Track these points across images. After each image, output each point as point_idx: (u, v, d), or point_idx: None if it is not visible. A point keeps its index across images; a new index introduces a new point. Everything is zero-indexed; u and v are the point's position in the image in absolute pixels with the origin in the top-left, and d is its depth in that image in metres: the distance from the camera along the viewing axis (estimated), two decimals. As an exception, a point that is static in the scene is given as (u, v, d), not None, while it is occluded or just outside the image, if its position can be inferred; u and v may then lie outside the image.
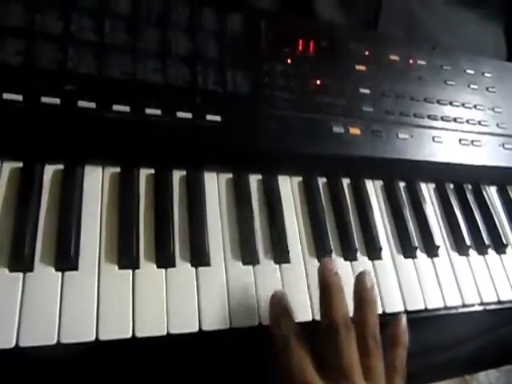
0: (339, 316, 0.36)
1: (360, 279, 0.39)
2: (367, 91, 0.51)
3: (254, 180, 0.46)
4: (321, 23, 0.56)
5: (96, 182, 0.40)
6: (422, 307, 0.45)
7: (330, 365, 0.34)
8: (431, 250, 0.49)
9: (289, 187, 0.47)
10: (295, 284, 0.42)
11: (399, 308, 0.45)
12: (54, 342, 0.33)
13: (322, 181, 0.49)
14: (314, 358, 0.35)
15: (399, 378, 0.37)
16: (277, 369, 0.35)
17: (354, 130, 0.48)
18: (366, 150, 0.48)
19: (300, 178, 0.48)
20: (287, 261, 0.42)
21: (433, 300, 0.46)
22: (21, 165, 0.38)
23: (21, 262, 0.34)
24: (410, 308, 0.45)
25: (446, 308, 0.47)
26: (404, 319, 0.40)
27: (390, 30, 0.65)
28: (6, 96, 0.36)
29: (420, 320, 0.46)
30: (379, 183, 0.52)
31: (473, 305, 0.48)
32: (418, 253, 0.48)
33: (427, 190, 0.54)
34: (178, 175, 0.43)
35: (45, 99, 0.37)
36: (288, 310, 0.37)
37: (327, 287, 0.37)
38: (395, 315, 0.44)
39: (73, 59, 0.39)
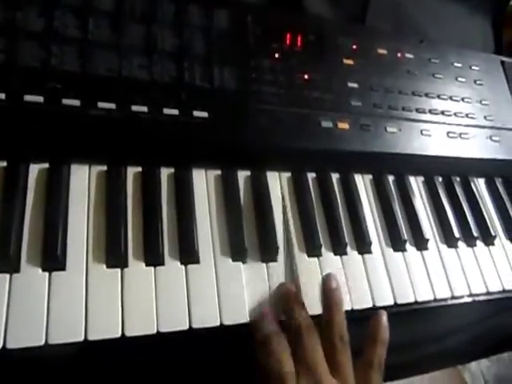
0: (301, 320, 0.38)
1: (326, 280, 0.42)
2: (355, 85, 0.51)
3: (243, 176, 0.46)
4: (308, 17, 0.56)
5: (82, 180, 0.39)
6: (412, 300, 0.46)
7: (299, 361, 0.36)
8: (420, 243, 0.49)
9: (278, 183, 0.47)
10: (283, 280, 0.42)
11: (389, 301, 0.45)
12: (42, 343, 0.33)
13: (311, 176, 0.49)
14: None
15: (376, 375, 0.38)
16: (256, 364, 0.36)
17: (343, 124, 0.48)
18: (354, 145, 0.48)
19: (289, 174, 0.48)
20: (276, 258, 0.42)
21: (423, 293, 0.47)
22: (5, 164, 0.37)
23: (7, 263, 0.34)
24: (400, 301, 0.45)
25: (435, 300, 0.47)
26: (384, 316, 0.41)
27: (378, 23, 0.65)
28: (-13, 95, 0.35)
29: (410, 312, 0.47)
30: (368, 177, 0.52)
31: (462, 296, 0.49)
32: (408, 246, 0.49)
33: (416, 183, 0.54)
34: (165, 172, 0.42)
35: (28, 97, 0.36)
36: (268, 312, 0.38)
37: (288, 298, 0.40)
38: (385, 309, 0.45)
39: (56, 56, 0.38)
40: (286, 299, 0.40)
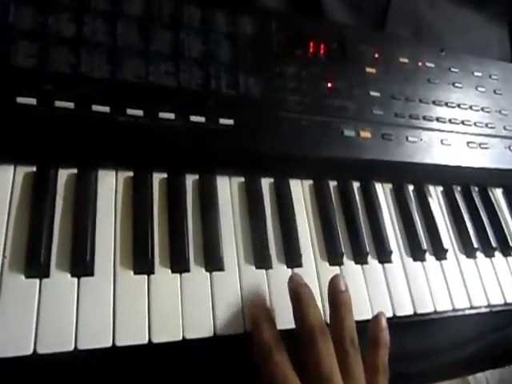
0: (315, 323, 0.36)
1: (333, 283, 0.39)
2: (377, 94, 0.51)
3: (266, 183, 0.46)
4: (331, 25, 0.56)
5: (109, 186, 0.40)
6: (431, 310, 0.46)
7: (311, 371, 0.34)
8: (440, 253, 0.49)
9: (300, 190, 0.47)
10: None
11: (409, 311, 0.45)
12: (72, 348, 0.33)
13: (332, 184, 0.49)
14: (295, 364, 0.35)
15: (382, 378, 0.37)
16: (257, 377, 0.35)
17: (365, 133, 0.48)
18: (376, 154, 0.48)
19: (311, 182, 0.48)
20: (300, 265, 0.43)
21: (441, 302, 0.47)
22: (34, 169, 0.38)
23: (37, 268, 0.34)
24: (419, 311, 0.45)
25: (454, 310, 0.47)
26: (383, 318, 0.40)
27: (398, 30, 0.65)
28: (19, 100, 0.36)
29: (426, 321, 0.47)
30: (388, 186, 0.52)
31: (480, 307, 0.49)
32: (427, 256, 0.49)
33: (435, 193, 0.54)
34: (190, 179, 0.43)
35: (59, 103, 0.37)
36: (269, 316, 0.37)
37: (299, 297, 0.37)
38: (405, 318, 0.45)
39: (86, 63, 0.38)
40: (299, 302, 0.37)
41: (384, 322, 0.39)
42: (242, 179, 0.45)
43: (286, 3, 0.58)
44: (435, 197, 0.54)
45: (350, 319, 0.37)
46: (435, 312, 0.46)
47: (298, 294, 0.38)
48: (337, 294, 0.39)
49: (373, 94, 0.51)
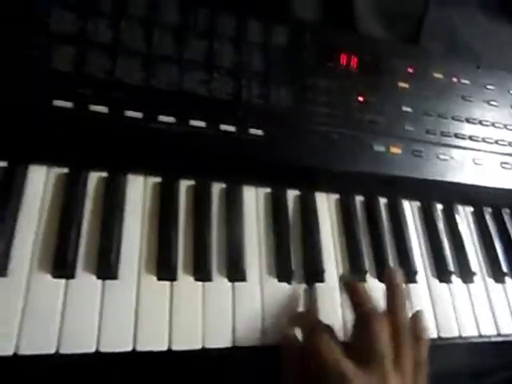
0: (370, 306, 0.38)
1: (389, 274, 0.41)
2: (409, 109, 0.50)
3: (292, 195, 0.45)
4: (365, 38, 0.55)
5: (138, 190, 0.40)
6: (456, 335, 0.44)
7: (363, 350, 0.35)
8: (467, 276, 0.48)
9: (326, 204, 0.46)
10: (329, 303, 0.41)
11: (433, 334, 0.44)
12: (93, 350, 0.33)
13: (358, 199, 0.48)
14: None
15: (423, 370, 0.37)
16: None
17: (395, 149, 0.47)
18: (405, 170, 0.47)
19: (337, 196, 0.47)
20: (321, 280, 0.42)
21: (467, 327, 0.45)
22: (66, 171, 0.39)
23: (64, 269, 0.35)
24: (443, 335, 0.44)
25: (480, 336, 0.46)
26: (423, 317, 0.40)
27: (432, 44, 0.64)
28: (56, 103, 0.36)
29: (450, 345, 0.45)
30: (416, 204, 0.51)
31: (508, 335, 0.47)
32: (454, 278, 0.47)
33: (464, 213, 0.53)
34: (217, 187, 0.43)
35: (93, 107, 0.37)
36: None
37: (354, 289, 0.40)
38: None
39: (121, 68, 0.39)
40: (356, 292, 0.40)
41: (424, 321, 0.40)
42: (269, 190, 0.45)
43: (320, 15, 0.58)
44: (464, 217, 0.52)
45: (405, 309, 0.39)
46: (460, 337, 0.45)
47: (354, 287, 0.41)
48: (393, 284, 0.40)
49: (405, 109, 0.50)
